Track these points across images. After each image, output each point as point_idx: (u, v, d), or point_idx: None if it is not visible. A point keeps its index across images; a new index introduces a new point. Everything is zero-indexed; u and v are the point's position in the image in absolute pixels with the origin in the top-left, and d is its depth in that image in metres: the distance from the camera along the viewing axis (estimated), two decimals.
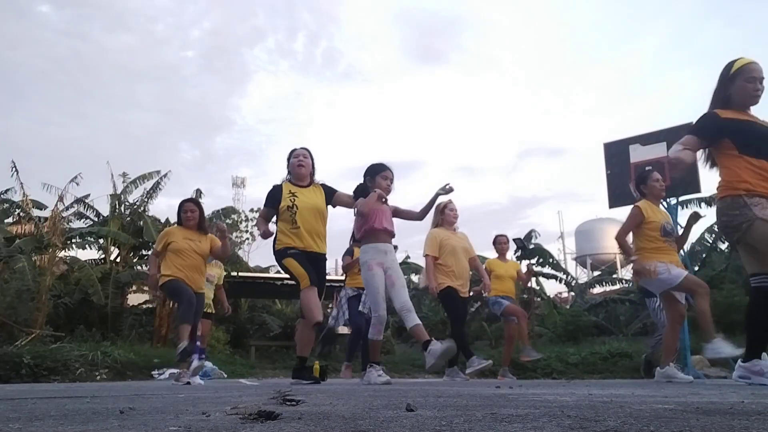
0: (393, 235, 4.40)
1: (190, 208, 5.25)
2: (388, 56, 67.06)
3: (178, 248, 5.07)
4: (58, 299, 10.66)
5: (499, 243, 6.69)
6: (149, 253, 13.98)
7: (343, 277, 6.81)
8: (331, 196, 4.51)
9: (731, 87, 3.13)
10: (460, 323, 5.53)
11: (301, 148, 4.57)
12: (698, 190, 7.46)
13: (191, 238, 5.17)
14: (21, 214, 12.69)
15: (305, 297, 4.17)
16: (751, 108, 3.22)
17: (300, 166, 4.45)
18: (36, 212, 12.95)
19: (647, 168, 5.94)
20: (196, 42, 52.37)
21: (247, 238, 18.71)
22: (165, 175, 13.91)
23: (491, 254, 7.05)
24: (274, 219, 4.43)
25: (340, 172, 39.26)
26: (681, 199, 8.93)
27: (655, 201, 4.47)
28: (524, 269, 7.05)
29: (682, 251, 4.99)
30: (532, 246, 14.17)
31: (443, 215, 5.60)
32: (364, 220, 4.29)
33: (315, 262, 4.31)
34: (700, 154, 3.28)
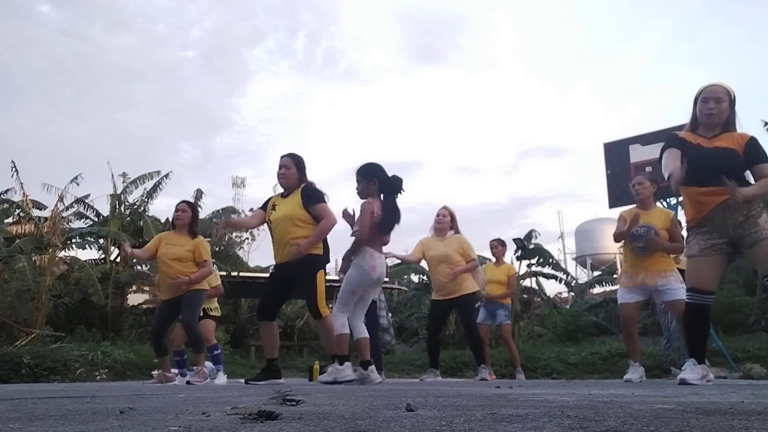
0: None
1: (182, 207, 5.13)
2: (388, 56, 66.92)
3: (159, 256, 4.97)
4: (58, 299, 10.66)
5: (492, 247, 6.80)
6: None
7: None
8: (307, 203, 4.19)
9: (695, 109, 3.40)
10: (432, 331, 5.89)
11: (284, 157, 4.31)
12: None
13: (173, 244, 5.00)
14: (21, 214, 12.69)
15: (260, 330, 4.49)
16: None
17: (281, 178, 4.28)
18: (36, 212, 12.96)
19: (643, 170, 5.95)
20: (196, 42, 52.23)
21: (247, 238, 18.69)
22: (166, 176, 13.93)
23: (490, 255, 7.09)
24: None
25: (340, 172, 39.07)
26: (680, 199, 8.92)
27: (642, 205, 4.47)
28: (524, 270, 7.13)
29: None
30: (532, 246, 14.17)
31: (433, 222, 5.62)
32: None
33: (293, 272, 4.18)
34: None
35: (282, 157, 4.32)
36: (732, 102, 3.34)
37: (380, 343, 6.05)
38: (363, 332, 4.08)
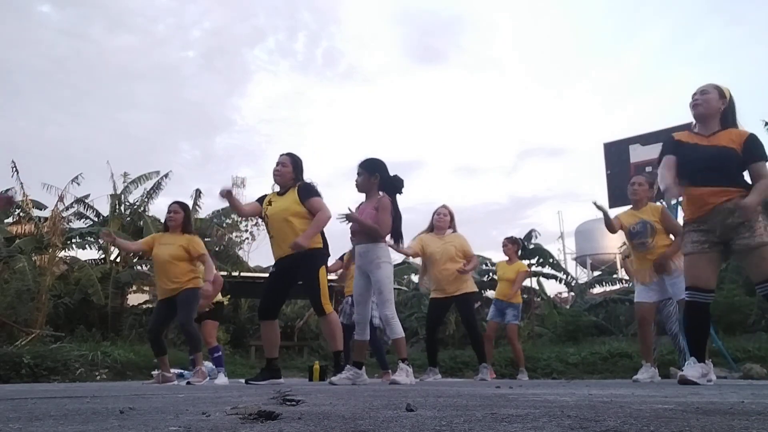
0: (366, 234, 3.97)
1: (174, 208, 5.12)
2: (388, 56, 66.83)
3: (154, 257, 5.06)
4: (58, 299, 10.67)
5: (503, 246, 6.88)
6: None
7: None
8: (303, 198, 4.23)
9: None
10: (431, 330, 5.85)
11: (281, 155, 4.39)
12: None
13: (165, 243, 5.03)
14: (21, 214, 12.69)
15: (261, 330, 4.49)
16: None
17: (276, 174, 4.35)
18: (36, 212, 12.96)
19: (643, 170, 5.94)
20: (196, 42, 52.08)
21: (247, 238, 18.66)
22: (166, 176, 13.93)
23: (491, 254, 7.13)
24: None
25: (340, 172, 39.07)
26: (679, 199, 8.93)
27: (635, 205, 4.60)
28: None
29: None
30: (532, 246, 14.16)
31: (433, 221, 5.62)
32: None
33: (294, 267, 4.21)
34: None
35: (281, 155, 4.41)
36: (725, 98, 3.29)
37: (381, 344, 6.04)
38: (365, 335, 4.14)
